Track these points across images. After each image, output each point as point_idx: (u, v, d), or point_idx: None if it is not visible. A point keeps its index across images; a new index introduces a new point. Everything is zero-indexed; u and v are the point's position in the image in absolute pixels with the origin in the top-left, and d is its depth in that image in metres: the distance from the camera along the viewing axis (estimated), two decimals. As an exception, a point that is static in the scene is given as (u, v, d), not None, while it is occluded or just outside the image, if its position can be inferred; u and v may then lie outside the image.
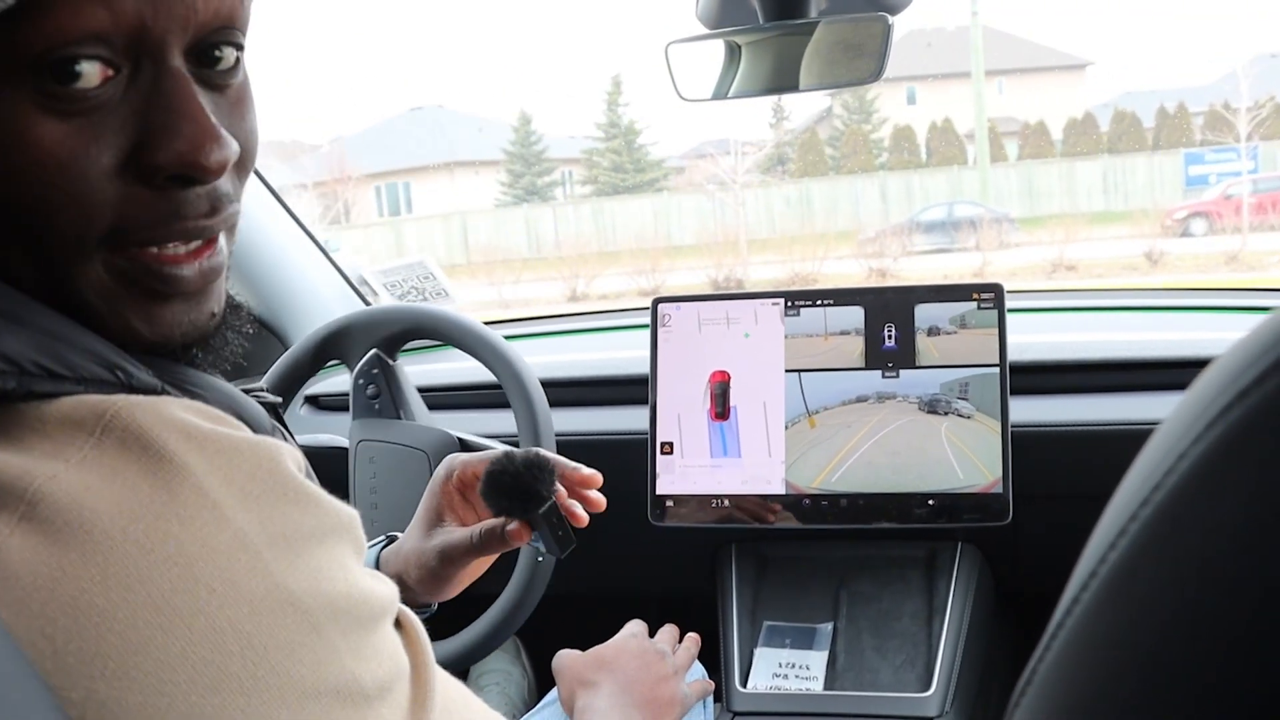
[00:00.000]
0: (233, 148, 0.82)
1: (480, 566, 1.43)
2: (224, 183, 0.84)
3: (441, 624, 1.52)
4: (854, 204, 25.08)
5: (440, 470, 1.43)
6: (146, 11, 0.76)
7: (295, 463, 0.80)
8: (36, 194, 0.76)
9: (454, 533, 1.38)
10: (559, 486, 1.38)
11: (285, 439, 0.91)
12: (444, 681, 0.87)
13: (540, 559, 1.83)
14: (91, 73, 0.75)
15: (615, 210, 27.32)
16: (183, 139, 0.79)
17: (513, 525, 1.35)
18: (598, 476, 1.42)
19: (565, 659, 1.53)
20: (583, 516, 1.41)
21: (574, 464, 1.42)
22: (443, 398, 2.27)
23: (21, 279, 0.79)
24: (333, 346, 2.03)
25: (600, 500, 1.43)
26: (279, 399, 1.09)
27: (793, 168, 29.70)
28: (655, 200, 28.35)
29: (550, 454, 1.38)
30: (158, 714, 0.69)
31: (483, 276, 20.98)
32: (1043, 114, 28.96)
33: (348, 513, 0.82)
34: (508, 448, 1.39)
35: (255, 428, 0.84)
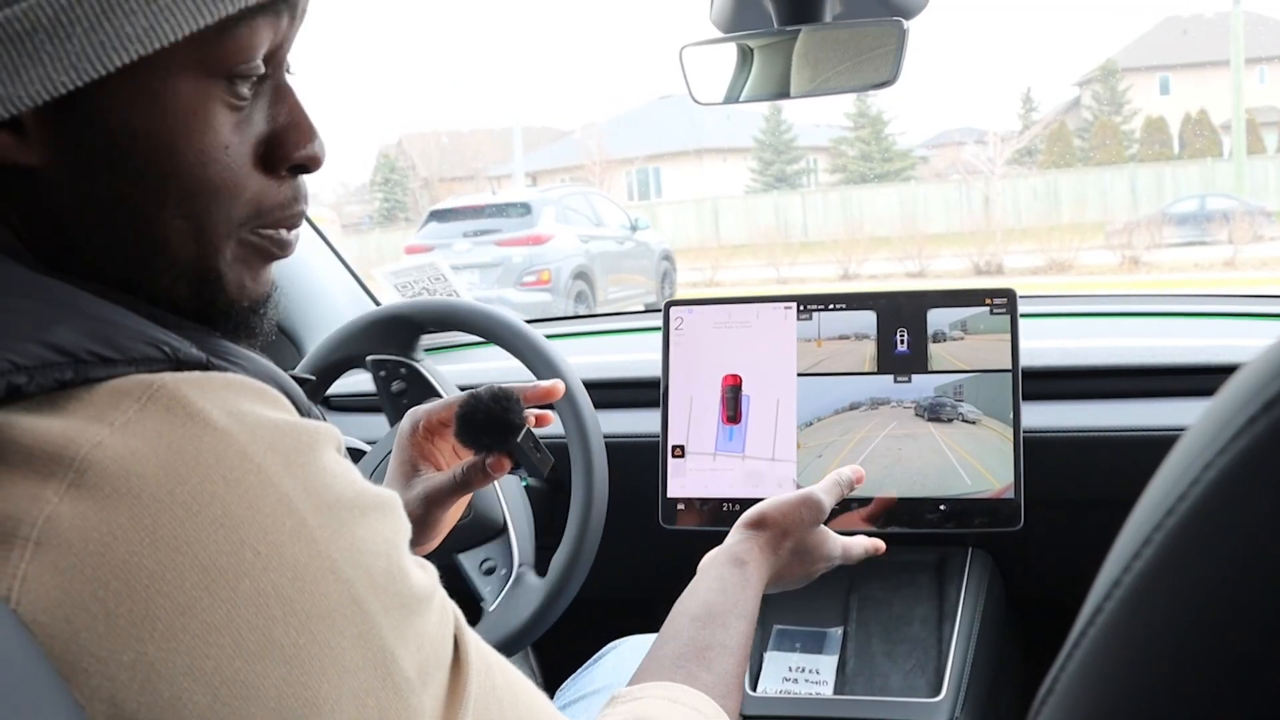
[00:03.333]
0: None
1: (460, 508, 1.50)
2: None
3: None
4: (1102, 196, 24.47)
5: (405, 424, 1.48)
6: (284, 33, 0.89)
7: (336, 443, 0.82)
8: (209, 175, 0.86)
9: (434, 477, 1.44)
10: (527, 411, 1.43)
11: (322, 417, 0.92)
12: (489, 675, 0.88)
13: (524, 483, 1.88)
14: (255, 78, 0.88)
15: (862, 198, 27.31)
16: (307, 137, 0.92)
17: (492, 459, 1.41)
18: (558, 384, 1.50)
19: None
20: (550, 415, 1.51)
21: (531, 384, 1.50)
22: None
23: (180, 251, 0.87)
24: (343, 366, 2.09)
25: (560, 387, 1.51)
26: (312, 377, 1.14)
27: (1041, 159, 29.07)
28: (902, 189, 28.19)
29: (509, 386, 1.44)
30: (203, 677, 0.70)
31: (763, 257, 21.86)
32: (1308, 104, 27.74)
33: (388, 494, 0.83)
34: (470, 389, 1.43)
35: (295, 401, 0.86)
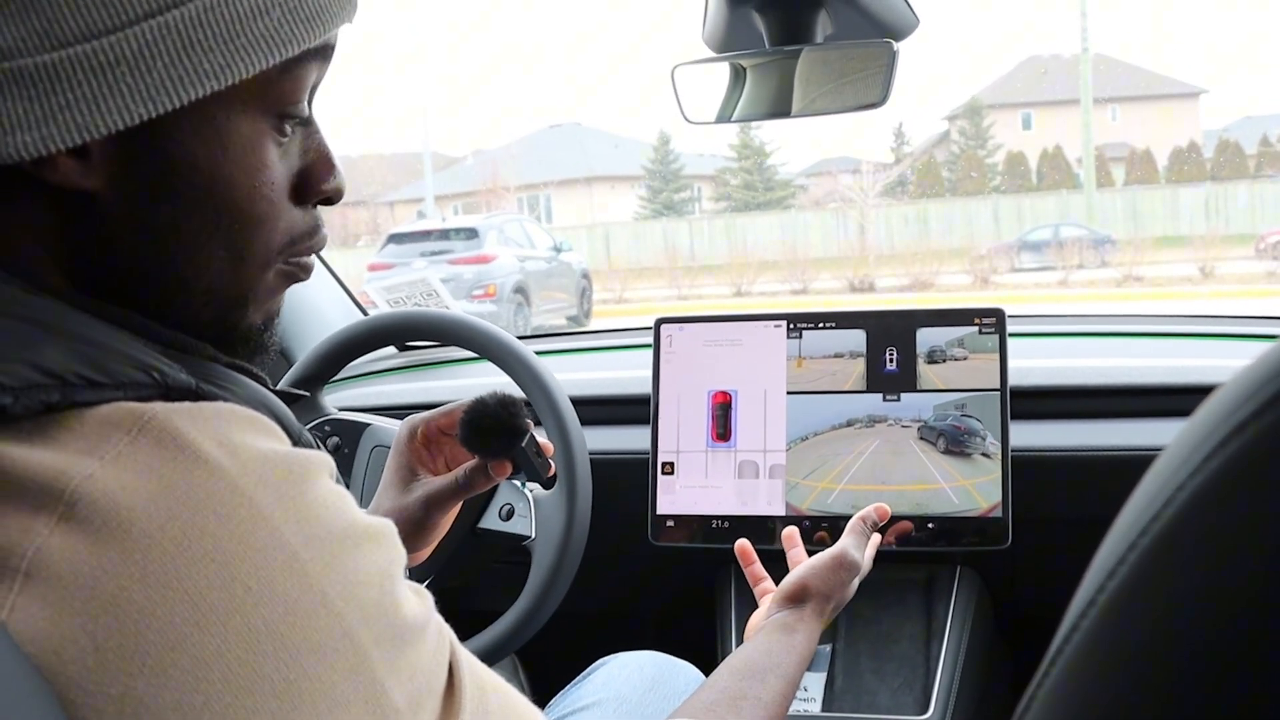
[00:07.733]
0: None
1: (455, 513, 1.52)
2: None
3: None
4: (968, 224, 25.14)
5: (403, 431, 1.49)
6: (322, 73, 0.90)
7: (329, 471, 0.80)
8: (256, 208, 0.86)
9: (435, 481, 1.45)
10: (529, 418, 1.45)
11: (315, 443, 0.89)
12: (484, 699, 0.84)
13: (529, 491, 1.81)
14: (299, 116, 0.89)
15: (746, 225, 27.82)
16: (335, 172, 0.93)
17: (495, 462, 1.43)
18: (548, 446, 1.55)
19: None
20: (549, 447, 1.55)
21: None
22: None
23: (219, 280, 0.87)
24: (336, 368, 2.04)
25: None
26: (305, 393, 1.10)
27: (911, 189, 29.59)
28: (783, 216, 28.70)
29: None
30: (193, 712, 0.68)
31: (665, 279, 23.20)
32: (1153, 141, 28.57)
33: (380, 523, 0.81)
34: (475, 396, 1.43)
35: (287, 427, 0.84)
